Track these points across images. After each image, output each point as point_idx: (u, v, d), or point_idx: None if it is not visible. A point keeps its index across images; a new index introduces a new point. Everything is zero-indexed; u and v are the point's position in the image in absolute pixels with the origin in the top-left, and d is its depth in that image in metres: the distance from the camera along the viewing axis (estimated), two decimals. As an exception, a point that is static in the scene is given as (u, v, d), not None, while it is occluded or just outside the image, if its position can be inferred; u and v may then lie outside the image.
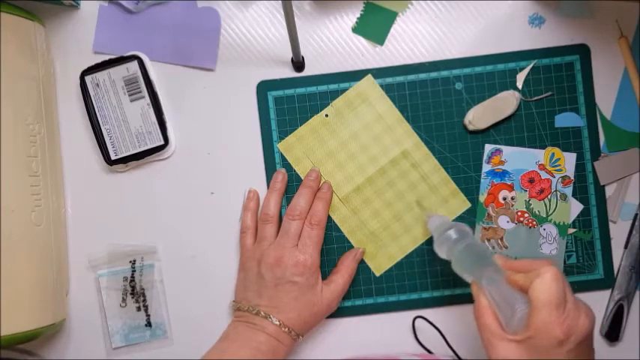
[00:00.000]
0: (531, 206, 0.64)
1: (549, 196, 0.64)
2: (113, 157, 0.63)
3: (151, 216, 0.65)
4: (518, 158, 0.64)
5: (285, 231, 0.60)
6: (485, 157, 0.64)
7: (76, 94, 0.65)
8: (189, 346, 0.65)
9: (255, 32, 0.65)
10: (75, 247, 0.65)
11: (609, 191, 0.65)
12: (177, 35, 0.65)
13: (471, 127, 0.63)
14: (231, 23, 0.65)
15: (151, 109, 0.63)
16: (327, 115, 0.65)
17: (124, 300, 0.64)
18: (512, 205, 0.64)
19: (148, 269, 0.64)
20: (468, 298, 0.64)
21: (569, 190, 0.64)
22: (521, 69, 0.64)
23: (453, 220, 0.64)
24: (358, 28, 0.65)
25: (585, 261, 0.64)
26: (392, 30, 0.65)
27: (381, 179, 0.64)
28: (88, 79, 0.63)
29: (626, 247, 0.64)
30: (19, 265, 0.56)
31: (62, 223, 0.64)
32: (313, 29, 0.65)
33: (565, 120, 0.64)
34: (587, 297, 0.64)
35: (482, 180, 0.64)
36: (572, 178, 0.64)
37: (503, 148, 0.64)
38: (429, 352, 0.63)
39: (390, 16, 0.65)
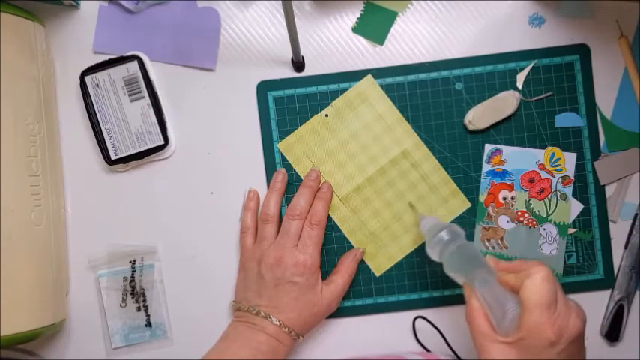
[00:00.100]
0: (531, 206, 0.64)
1: (549, 196, 0.64)
2: (113, 157, 0.63)
3: (151, 216, 0.65)
4: (518, 158, 0.64)
5: (285, 231, 0.60)
6: (485, 157, 0.64)
7: (76, 94, 0.65)
8: (189, 346, 0.65)
9: (255, 32, 0.65)
10: (75, 247, 0.65)
11: (609, 191, 0.65)
12: (177, 35, 0.65)
13: (471, 127, 0.63)
14: (231, 23, 0.65)
15: (151, 109, 0.63)
16: (327, 115, 0.65)
17: (124, 300, 0.64)
18: (512, 205, 0.64)
19: (148, 269, 0.64)
20: (468, 298, 0.64)
21: (569, 190, 0.64)
22: (521, 69, 0.64)
23: (454, 221, 0.64)
24: (358, 28, 0.65)
25: (585, 261, 0.64)
26: (392, 30, 0.65)
27: (381, 179, 0.64)
28: (88, 79, 0.63)
29: (626, 247, 0.64)
30: (19, 265, 0.56)
31: (62, 223, 0.64)
32: (313, 29, 0.65)
33: (565, 120, 0.64)
34: (587, 297, 0.64)
35: (482, 180, 0.64)
36: (572, 178, 0.64)
37: (503, 148, 0.64)
38: (429, 352, 0.63)
39: (390, 16, 0.65)
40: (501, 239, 0.64)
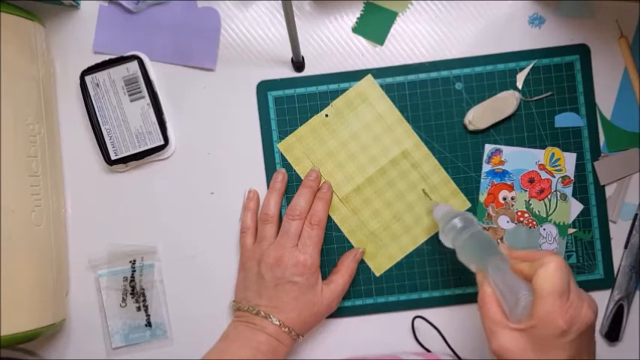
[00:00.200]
0: (531, 206, 0.64)
1: (549, 196, 0.64)
2: (113, 157, 0.63)
3: (151, 216, 0.65)
4: (518, 158, 0.64)
5: (285, 231, 0.60)
6: (485, 157, 0.64)
7: (76, 94, 0.65)
8: (189, 346, 0.65)
9: (255, 32, 0.65)
10: (75, 247, 0.65)
11: (609, 191, 0.65)
12: (177, 35, 0.65)
13: (471, 127, 0.63)
14: (231, 23, 0.65)
15: (151, 109, 0.63)
16: (327, 115, 0.65)
17: (124, 300, 0.64)
18: (512, 205, 0.64)
19: (148, 269, 0.64)
20: (467, 299, 0.64)
21: (569, 190, 0.64)
22: (521, 69, 0.64)
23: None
24: (358, 28, 0.65)
25: (585, 261, 0.64)
26: (392, 30, 0.65)
27: (381, 179, 0.64)
28: (88, 79, 0.63)
29: (626, 247, 0.64)
30: (19, 265, 0.56)
31: (62, 223, 0.64)
32: (313, 29, 0.65)
33: (565, 120, 0.64)
34: (587, 297, 0.64)
35: (482, 180, 0.64)
36: (572, 178, 0.64)
37: (503, 148, 0.64)
38: (429, 352, 0.63)
39: (390, 16, 0.65)
40: (501, 239, 0.64)
